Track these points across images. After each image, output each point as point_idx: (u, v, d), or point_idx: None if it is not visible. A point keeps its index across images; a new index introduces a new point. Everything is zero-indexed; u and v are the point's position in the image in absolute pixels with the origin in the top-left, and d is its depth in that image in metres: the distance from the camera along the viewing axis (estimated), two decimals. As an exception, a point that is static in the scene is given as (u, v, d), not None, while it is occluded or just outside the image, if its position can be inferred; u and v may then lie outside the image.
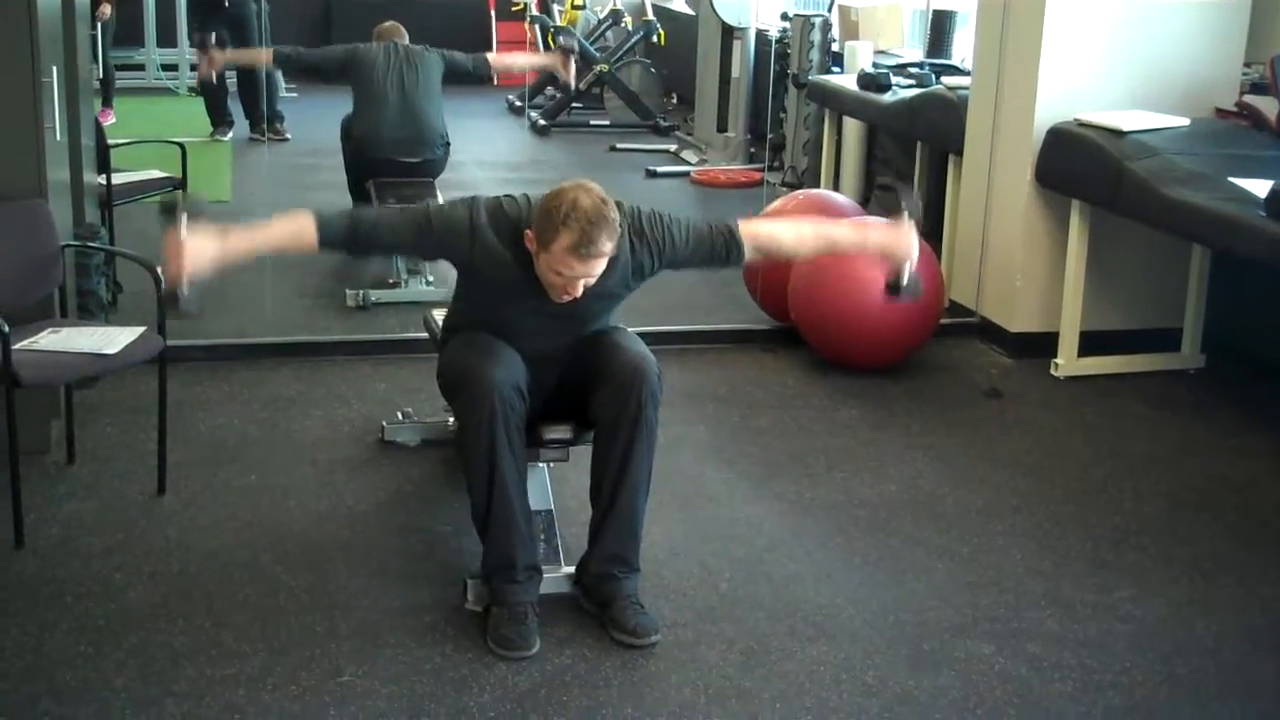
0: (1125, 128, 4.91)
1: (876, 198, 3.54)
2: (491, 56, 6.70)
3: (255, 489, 4.03)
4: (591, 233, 3.03)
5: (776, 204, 5.73)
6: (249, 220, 3.21)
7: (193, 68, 9.79)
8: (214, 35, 6.86)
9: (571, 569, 3.44)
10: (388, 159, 6.29)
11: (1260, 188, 4.35)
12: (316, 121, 9.01)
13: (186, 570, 3.53)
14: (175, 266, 3.00)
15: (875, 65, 7.31)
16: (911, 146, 7.35)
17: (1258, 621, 3.48)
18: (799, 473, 4.30)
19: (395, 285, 5.97)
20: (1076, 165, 5.02)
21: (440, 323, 4.16)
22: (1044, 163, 5.22)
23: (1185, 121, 5.05)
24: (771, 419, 4.75)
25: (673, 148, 9.87)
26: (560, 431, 3.39)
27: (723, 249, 3.33)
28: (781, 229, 3.52)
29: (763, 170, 9.08)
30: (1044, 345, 5.35)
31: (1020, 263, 5.42)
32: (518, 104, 11.16)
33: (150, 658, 3.12)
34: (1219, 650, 3.33)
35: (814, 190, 6.10)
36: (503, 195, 3.31)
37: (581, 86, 10.72)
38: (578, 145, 10.19)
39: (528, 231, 3.14)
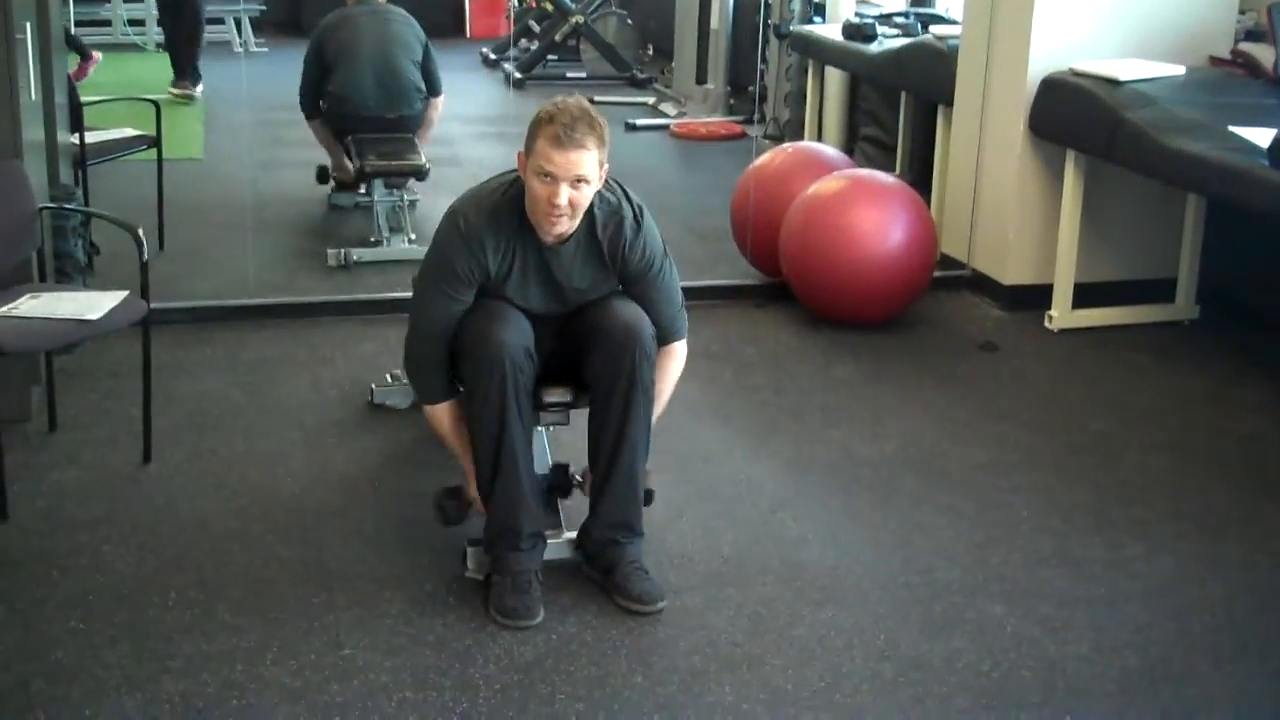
0: (1121, 77, 4.83)
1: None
2: (433, 104, 6.45)
3: (243, 455, 3.93)
4: (571, 122, 2.99)
5: (765, 158, 5.63)
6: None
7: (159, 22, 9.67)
8: None
9: (572, 534, 3.36)
10: (366, 115, 6.16)
11: (1261, 136, 4.28)
12: (289, 77, 8.87)
13: (176, 541, 3.44)
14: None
15: (859, 15, 7.19)
16: (895, 97, 7.25)
17: (1267, 578, 3.43)
18: (797, 430, 4.23)
19: (377, 243, 5.87)
20: (1072, 115, 4.94)
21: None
22: (1037, 113, 5.14)
23: (1181, 70, 4.97)
24: (766, 376, 4.67)
25: (651, 100, 9.73)
26: (560, 394, 3.31)
27: (664, 327, 3.27)
28: (669, 373, 3.37)
29: (743, 122, 9.00)
30: (1037, 298, 5.29)
31: (1013, 214, 5.34)
32: (493, 57, 11.00)
33: (144, 633, 3.03)
34: (1231, 608, 3.29)
35: (802, 144, 6.01)
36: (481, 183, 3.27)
37: (557, 38, 10.59)
38: (554, 98, 10.02)
39: (519, 154, 3.10)
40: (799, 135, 8.26)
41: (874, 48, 6.59)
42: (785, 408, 4.39)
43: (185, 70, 8.91)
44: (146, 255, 3.78)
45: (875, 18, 6.97)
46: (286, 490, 3.74)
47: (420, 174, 5.88)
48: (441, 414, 3.28)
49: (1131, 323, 5.25)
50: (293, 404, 4.30)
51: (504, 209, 3.13)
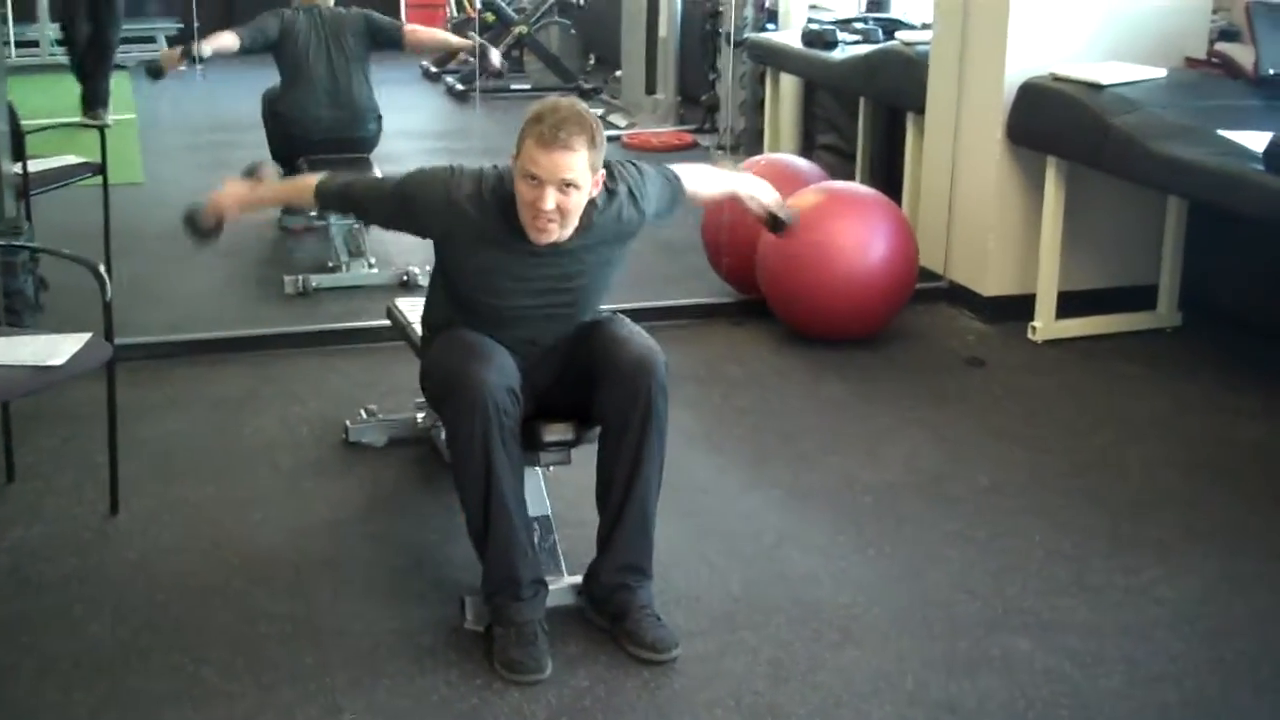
0: (1104, 81, 4.73)
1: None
2: (409, 29, 6.34)
3: (217, 502, 3.72)
4: (560, 123, 2.84)
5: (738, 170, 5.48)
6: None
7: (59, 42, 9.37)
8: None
9: (575, 579, 3.20)
10: (320, 138, 5.95)
11: (1253, 140, 4.20)
12: (227, 95, 8.63)
13: (154, 599, 3.23)
14: (227, 203, 3.38)
15: (818, 22, 7.08)
16: (854, 105, 7.15)
17: (1293, 598, 3.34)
18: (792, 456, 4.09)
19: (336, 269, 5.66)
20: (1053, 121, 4.84)
21: (408, 315, 3.92)
22: (1016, 120, 5.03)
23: (1162, 72, 4.89)
24: (753, 398, 4.53)
25: (599, 112, 9.57)
26: (561, 432, 3.14)
27: (671, 189, 3.23)
28: (710, 187, 3.47)
29: (694, 132, 8.86)
30: (1018, 308, 5.19)
31: (992, 224, 5.23)
32: (434, 70, 10.81)
33: (128, 704, 2.83)
34: (1261, 631, 3.17)
35: (773, 156, 5.86)
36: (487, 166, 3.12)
37: (501, 50, 10.39)
38: (501, 110, 9.82)
39: (512, 156, 2.94)
40: (755, 145, 8.15)
41: (837, 55, 6.48)
42: (778, 431, 4.24)
43: (96, 98, 8.58)
44: (110, 294, 3.55)
45: (834, 24, 6.86)
46: (266, 539, 3.54)
47: (380, 196, 5.66)
48: (305, 183, 3.43)
49: (1115, 331, 5.16)
50: (263, 444, 4.09)
51: (494, 199, 2.99)
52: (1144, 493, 3.87)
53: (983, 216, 5.26)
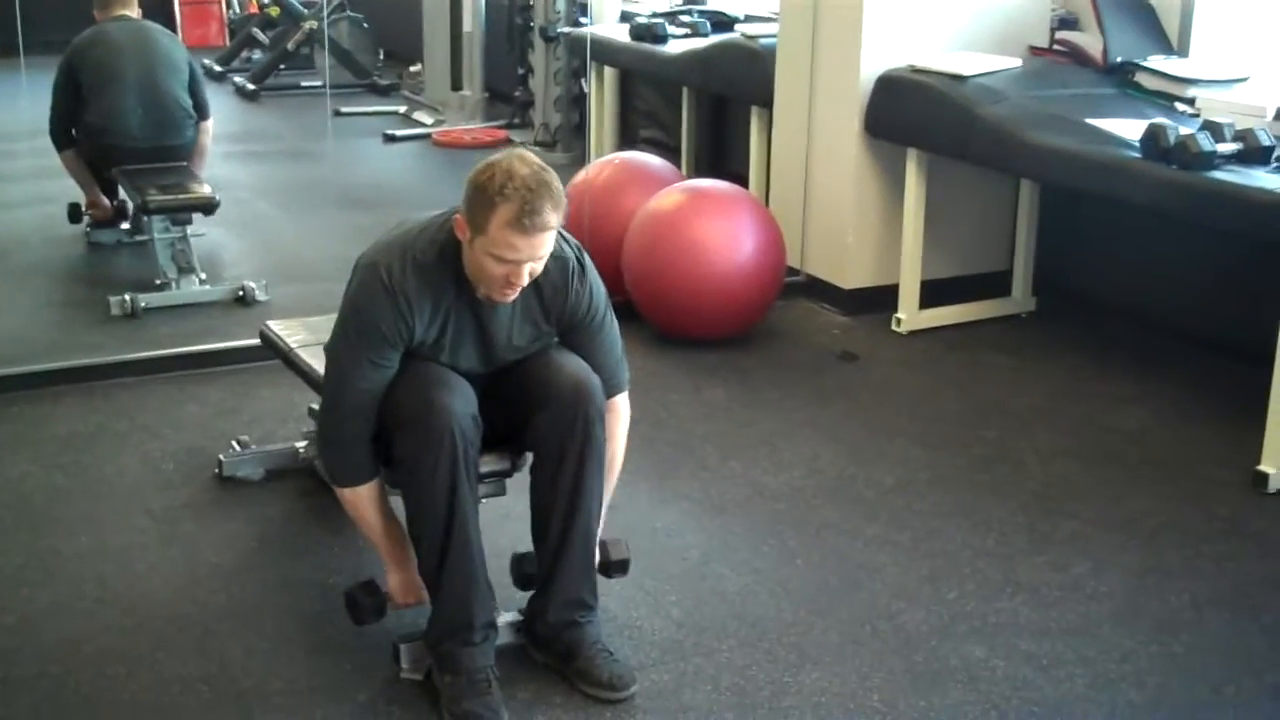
0: (965, 72, 4.74)
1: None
2: (208, 125, 5.90)
3: (92, 553, 3.39)
4: (534, 201, 2.57)
5: (590, 173, 5.32)
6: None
7: None
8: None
9: (512, 615, 3.00)
10: (132, 146, 5.55)
11: (1126, 129, 4.25)
12: (3, 104, 8.06)
13: (47, 670, 2.90)
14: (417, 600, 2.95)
15: (642, 15, 6.96)
16: (677, 97, 7.07)
17: (1220, 584, 3.35)
18: (694, 466, 3.96)
19: (164, 287, 5.28)
20: (915, 114, 4.82)
21: (286, 338, 3.67)
22: (874, 112, 5.00)
23: (1017, 62, 4.93)
24: (637, 407, 4.32)
25: (402, 109, 9.27)
26: (496, 461, 2.93)
27: (604, 380, 2.91)
28: (616, 434, 3.02)
29: (504, 127, 8.66)
30: (879, 300, 5.18)
31: (850, 217, 5.20)
32: (218, 69, 10.30)
33: (44, 798, 2.53)
34: (1202, 622, 3.18)
35: (626, 155, 5.65)
36: (397, 228, 2.83)
37: (290, 47, 10.00)
38: (295, 110, 9.47)
39: (457, 218, 2.68)
40: (572, 141, 8.00)
41: (669, 49, 6.36)
42: (671, 441, 4.11)
43: None
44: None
45: (662, 16, 6.75)
46: (157, 592, 3.23)
47: (210, 207, 5.31)
48: (364, 497, 2.85)
49: (974, 319, 5.19)
50: (128, 485, 3.76)
51: (434, 266, 2.72)
52: (1047, 485, 3.87)
53: (841, 210, 5.22)
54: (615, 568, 3.04)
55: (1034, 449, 4.10)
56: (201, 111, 5.80)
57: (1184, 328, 4.89)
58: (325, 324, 3.70)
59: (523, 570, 3.03)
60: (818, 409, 4.38)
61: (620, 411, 3.01)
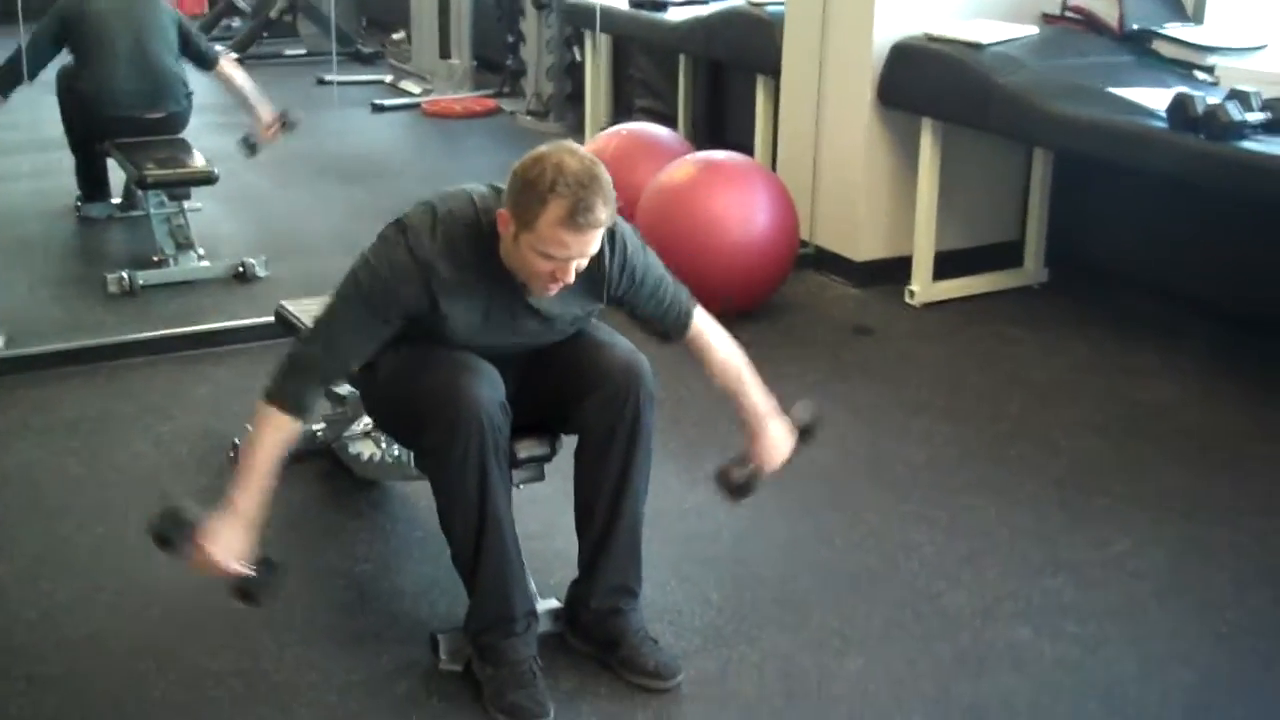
0: (982, 40, 4.66)
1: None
2: (225, 62, 5.72)
3: (109, 542, 3.29)
4: (586, 198, 2.47)
5: (595, 144, 5.23)
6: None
7: None
8: None
9: (551, 602, 2.93)
10: (126, 116, 5.42)
11: (1148, 97, 4.19)
12: None
13: (74, 668, 2.81)
14: (223, 569, 2.50)
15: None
16: (673, 65, 6.98)
17: (1262, 561, 3.31)
18: (720, 444, 3.85)
19: (162, 263, 5.16)
20: (931, 82, 4.74)
21: (304, 318, 3.56)
22: (888, 81, 4.92)
23: (1034, 30, 4.85)
24: (658, 384, 4.28)
25: (388, 78, 9.13)
26: (536, 447, 2.85)
27: (673, 320, 2.88)
28: (718, 345, 3.00)
29: (494, 96, 8.54)
30: (891, 272, 5.11)
31: (862, 188, 5.12)
32: (199, 38, 10.13)
33: (81, 800, 2.45)
34: (1245, 599, 3.14)
35: (632, 126, 5.58)
36: (433, 197, 2.69)
37: (272, 15, 9.84)
38: (278, 79, 9.23)
39: (500, 213, 2.57)
40: (565, 110, 7.90)
41: (670, 16, 6.26)
42: (695, 420, 4.03)
43: None
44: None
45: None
46: (179, 583, 3.10)
47: (209, 180, 5.19)
48: (273, 428, 2.56)
49: (986, 291, 5.14)
50: (142, 470, 3.66)
51: (469, 246, 2.61)
52: (1076, 461, 3.81)
53: (852, 180, 5.14)
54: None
55: (1059, 423, 4.04)
56: (205, 61, 5.63)
57: (1199, 299, 4.84)
58: (341, 303, 3.66)
59: (731, 481, 2.95)
60: (838, 383, 4.32)
61: (712, 330, 2.95)
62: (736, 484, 2.94)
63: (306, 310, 3.61)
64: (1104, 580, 3.21)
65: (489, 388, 2.63)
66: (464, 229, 2.62)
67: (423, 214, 2.63)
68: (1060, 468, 3.77)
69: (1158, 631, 3.00)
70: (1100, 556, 3.31)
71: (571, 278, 2.58)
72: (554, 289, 2.61)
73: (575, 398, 2.75)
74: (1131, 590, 3.17)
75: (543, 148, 2.57)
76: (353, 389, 3.51)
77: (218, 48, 5.95)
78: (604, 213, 2.52)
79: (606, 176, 2.54)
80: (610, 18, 6.78)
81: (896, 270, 5.08)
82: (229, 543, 2.49)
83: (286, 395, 2.57)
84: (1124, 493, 3.62)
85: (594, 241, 2.55)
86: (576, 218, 2.47)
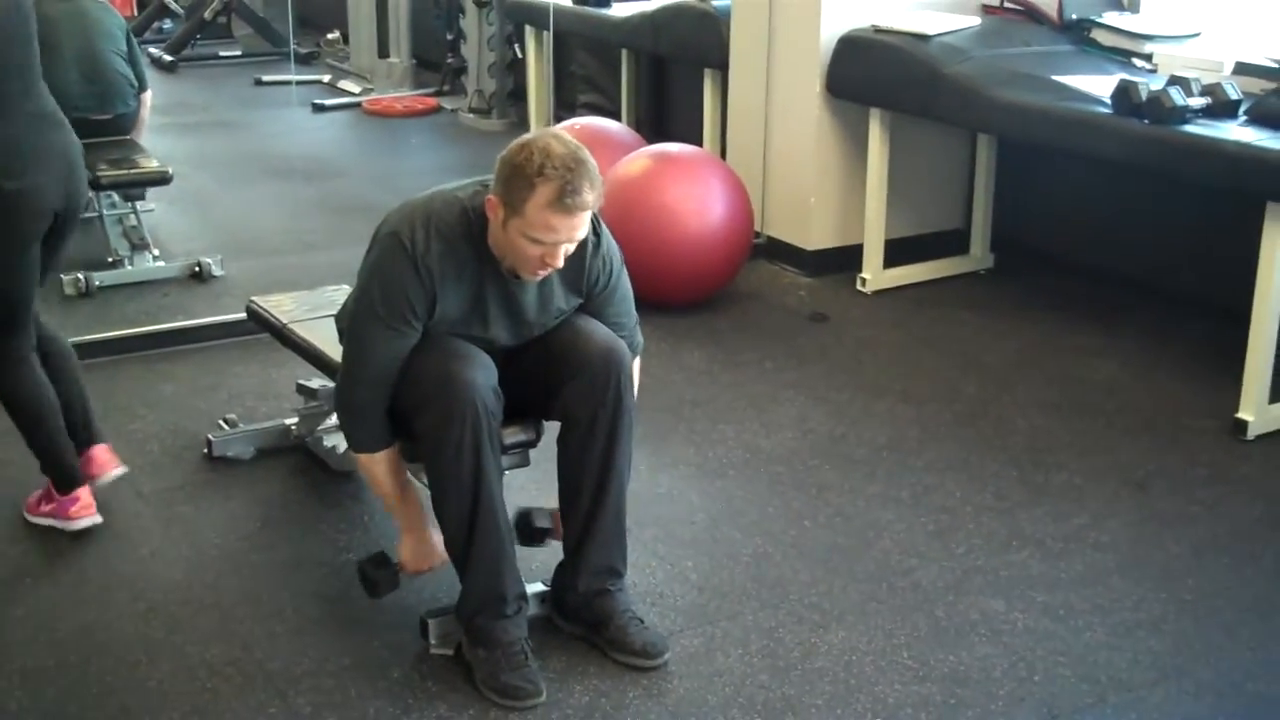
0: (929, 31, 4.76)
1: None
2: (146, 97, 5.69)
3: (90, 539, 3.31)
4: (573, 180, 2.54)
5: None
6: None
7: None
8: None
9: (537, 586, 2.99)
10: (76, 119, 5.34)
11: (1091, 84, 4.31)
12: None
13: (66, 661, 2.83)
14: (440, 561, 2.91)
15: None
16: (615, 60, 7.04)
17: (1216, 529, 3.44)
18: (686, 431, 3.97)
19: (117, 264, 5.15)
20: (880, 73, 4.84)
21: (277, 314, 3.61)
22: (836, 73, 5.01)
23: (976, 20, 4.97)
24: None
25: (326, 78, 9.12)
26: (522, 433, 2.91)
27: (630, 320, 3.00)
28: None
29: (434, 94, 8.55)
30: (841, 260, 5.22)
31: (812, 179, 5.21)
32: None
33: (87, 791, 2.47)
34: (1204, 568, 3.26)
35: (585, 120, 5.64)
36: (418, 199, 2.76)
37: (207, 16, 9.78)
38: (215, 80, 9.29)
39: (489, 199, 2.63)
40: (507, 107, 7.94)
41: (614, 12, 6.32)
42: (661, 406, 4.10)
43: None
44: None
45: (603, -20, 6.70)
46: (165, 577, 3.16)
47: (164, 180, 5.18)
48: (380, 464, 2.81)
49: (935, 277, 5.25)
50: (115, 468, 3.67)
51: (459, 239, 2.68)
52: (1033, 438, 3.93)
53: (802, 171, 5.24)
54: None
55: (1015, 403, 4.16)
56: (140, 83, 5.64)
57: (1139, 280, 4.98)
58: (310, 298, 3.73)
59: (531, 525, 3.00)
60: (797, 370, 4.41)
61: (634, 375, 2.99)
62: (536, 529, 3.02)
63: (277, 305, 3.66)
64: (1067, 552, 3.32)
65: (483, 374, 2.69)
66: (454, 225, 2.69)
67: (412, 218, 2.70)
68: (1017, 446, 3.88)
69: (1124, 600, 3.12)
70: (1062, 530, 3.42)
71: (560, 262, 2.65)
72: (542, 274, 2.68)
73: (556, 384, 2.82)
74: (1094, 561, 3.28)
75: (528, 135, 2.65)
76: (324, 383, 3.57)
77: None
78: (590, 195, 2.59)
79: (592, 161, 2.61)
80: (555, 14, 6.82)
81: (847, 258, 5.18)
82: (422, 550, 2.89)
83: (363, 444, 2.80)
84: (1079, 467, 3.74)
85: (581, 225, 2.62)
86: (564, 199, 2.54)
